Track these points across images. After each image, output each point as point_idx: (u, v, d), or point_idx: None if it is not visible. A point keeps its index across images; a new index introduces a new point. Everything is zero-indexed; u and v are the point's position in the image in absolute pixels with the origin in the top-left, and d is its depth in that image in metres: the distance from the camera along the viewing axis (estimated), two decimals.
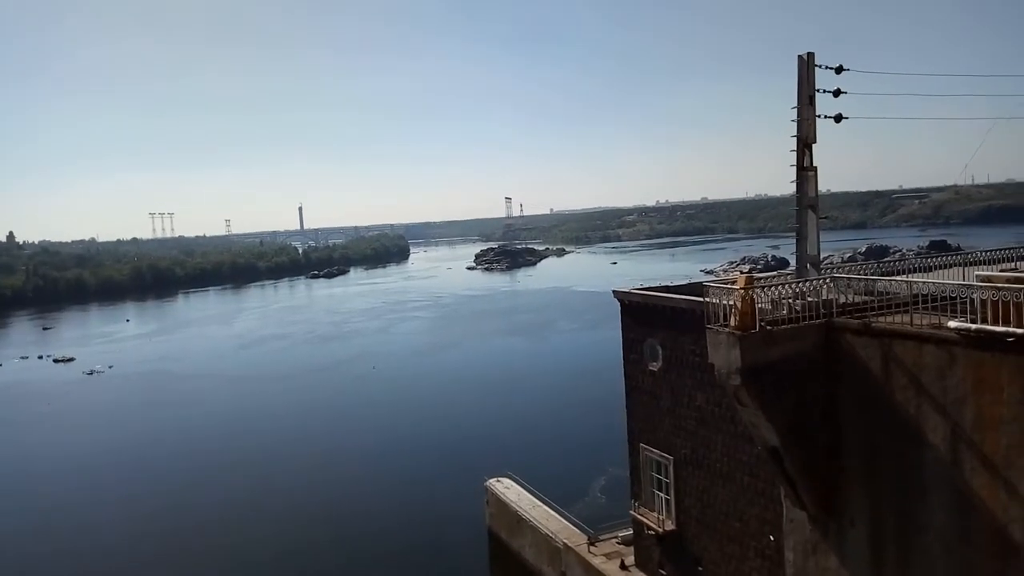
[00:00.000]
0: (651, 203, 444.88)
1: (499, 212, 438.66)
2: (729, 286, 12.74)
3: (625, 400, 20.52)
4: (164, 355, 78.98)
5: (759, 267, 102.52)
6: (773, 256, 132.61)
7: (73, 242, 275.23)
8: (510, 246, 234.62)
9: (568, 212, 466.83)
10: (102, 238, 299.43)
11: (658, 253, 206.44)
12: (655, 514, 19.60)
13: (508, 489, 27.87)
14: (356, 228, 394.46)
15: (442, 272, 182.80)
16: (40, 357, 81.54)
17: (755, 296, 12.43)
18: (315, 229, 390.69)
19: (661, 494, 19.61)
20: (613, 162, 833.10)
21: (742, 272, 21.14)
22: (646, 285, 20.65)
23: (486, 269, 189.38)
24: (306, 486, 36.22)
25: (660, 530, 19.24)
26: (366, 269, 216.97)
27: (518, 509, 26.15)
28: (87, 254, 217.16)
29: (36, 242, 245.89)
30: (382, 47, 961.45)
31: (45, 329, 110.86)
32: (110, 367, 72.63)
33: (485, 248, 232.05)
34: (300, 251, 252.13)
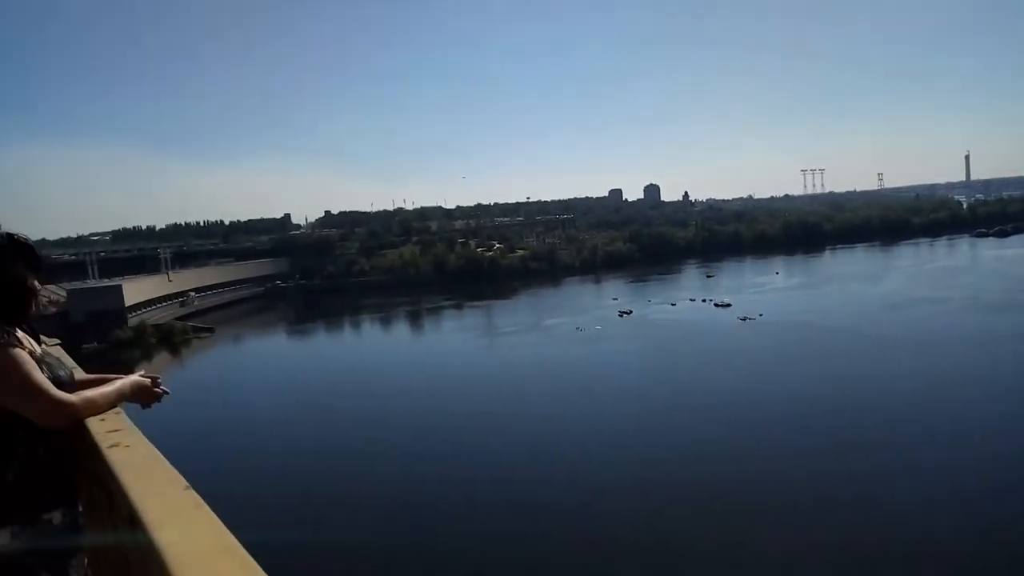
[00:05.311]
0: None
1: None
2: None
3: None
4: (809, 308, 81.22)
5: None
6: None
7: (733, 199, 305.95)
8: None
9: None
10: (757, 195, 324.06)
11: None
12: None
13: None
14: None
15: None
16: (703, 300, 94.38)
17: None
18: (983, 180, 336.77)
19: None
20: None
21: None
22: None
23: None
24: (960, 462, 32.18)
25: None
26: None
27: None
28: (744, 210, 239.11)
29: (704, 200, 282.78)
30: None
31: (708, 277, 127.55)
32: (760, 315, 78.73)
33: None
34: (964, 206, 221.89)
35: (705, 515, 29.01)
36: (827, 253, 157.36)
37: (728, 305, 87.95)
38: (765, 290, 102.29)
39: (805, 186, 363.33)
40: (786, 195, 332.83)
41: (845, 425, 39.07)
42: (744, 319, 77.85)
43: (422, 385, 59.30)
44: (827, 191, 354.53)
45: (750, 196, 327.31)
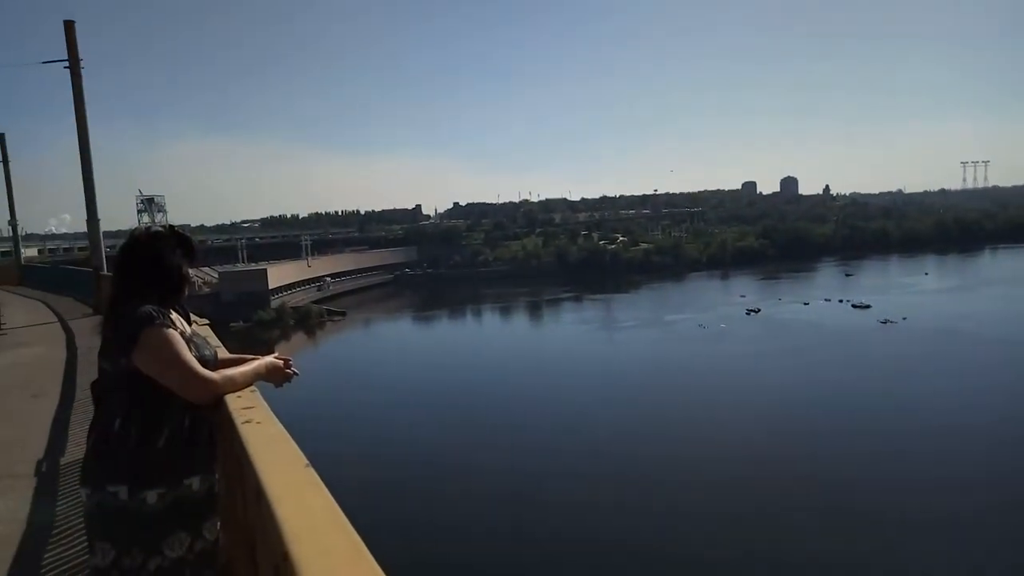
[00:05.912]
0: None
1: None
2: None
3: None
4: (960, 314, 74.36)
5: None
6: None
7: (880, 194, 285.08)
8: None
9: None
10: (909, 189, 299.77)
11: None
12: None
13: None
14: None
15: None
16: (840, 301, 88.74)
17: None
18: None
19: None
20: None
21: None
22: None
23: None
24: None
25: None
26: None
27: None
28: (892, 205, 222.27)
29: (847, 194, 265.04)
30: None
31: (847, 276, 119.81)
32: (903, 319, 73.05)
33: None
34: None
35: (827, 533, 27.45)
36: (986, 253, 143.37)
37: (867, 307, 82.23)
38: (911, 292, 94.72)
39: (965, 180, 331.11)
40: (942, 189, 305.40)
41: (1000, 453, 35.47)
42: (885, 322, 72.54)
43: (536, 371, 59.85)
44: (991, 185, 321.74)
45: (899, 190, 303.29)
